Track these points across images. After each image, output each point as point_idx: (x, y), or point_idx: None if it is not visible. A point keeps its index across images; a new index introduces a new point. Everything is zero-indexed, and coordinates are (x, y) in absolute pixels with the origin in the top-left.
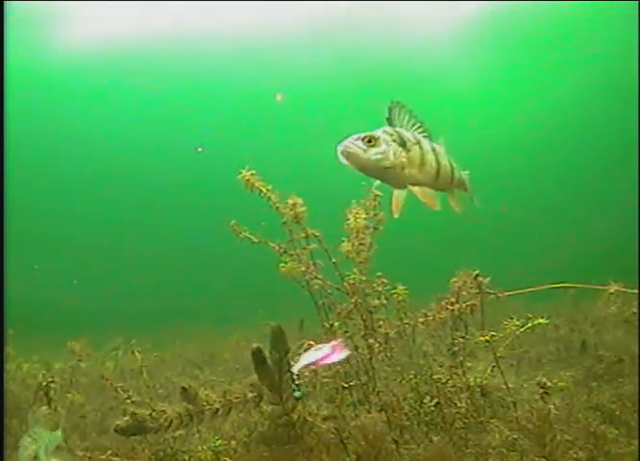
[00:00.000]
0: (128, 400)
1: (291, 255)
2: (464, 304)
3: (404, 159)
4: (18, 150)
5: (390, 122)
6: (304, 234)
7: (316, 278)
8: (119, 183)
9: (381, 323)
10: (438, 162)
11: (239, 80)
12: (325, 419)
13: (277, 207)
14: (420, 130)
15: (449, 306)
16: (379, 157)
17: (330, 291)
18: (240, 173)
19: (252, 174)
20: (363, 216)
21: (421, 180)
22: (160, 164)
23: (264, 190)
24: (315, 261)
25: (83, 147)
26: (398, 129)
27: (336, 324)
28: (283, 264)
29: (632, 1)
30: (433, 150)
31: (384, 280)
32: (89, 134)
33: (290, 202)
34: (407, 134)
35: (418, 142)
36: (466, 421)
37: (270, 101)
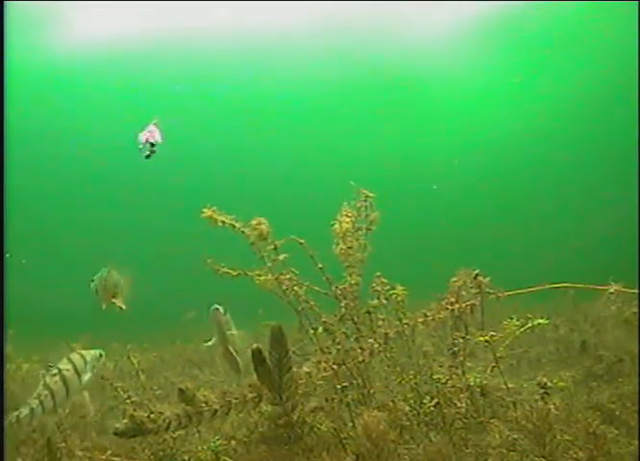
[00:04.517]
0: (127, 401)
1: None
2: (464, 304)
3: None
4: (18, 150)
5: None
6: (272, 247)
7: (294, 286)
8: (119, 184)
9: (380, 323)
10: None
11: (239, 80)
12: (313, 410)
13: (242, 232)
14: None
15: (449, 306)
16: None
17: (305, 299)
18: (203, 212)
19: (213, 211)
20: (351, 219)
21: None
22: (160, 165)
23: (227, 221)
24: (290, 270)
25: (82, 147)
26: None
27: (319, 329)
28: (257, 278)
29: (632, 1)
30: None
31: (384, 280)
32: (89, 134)
33: (254, 222)
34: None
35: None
36: (466, 421)
37: (269, 101)
